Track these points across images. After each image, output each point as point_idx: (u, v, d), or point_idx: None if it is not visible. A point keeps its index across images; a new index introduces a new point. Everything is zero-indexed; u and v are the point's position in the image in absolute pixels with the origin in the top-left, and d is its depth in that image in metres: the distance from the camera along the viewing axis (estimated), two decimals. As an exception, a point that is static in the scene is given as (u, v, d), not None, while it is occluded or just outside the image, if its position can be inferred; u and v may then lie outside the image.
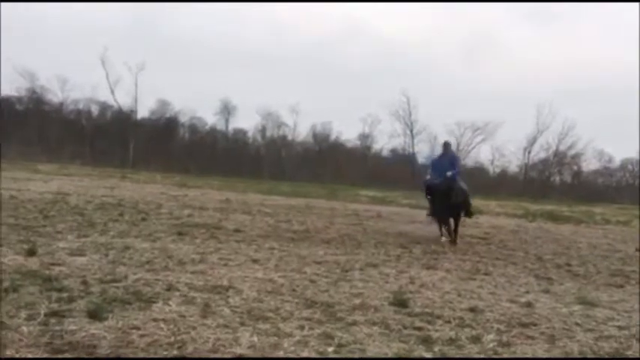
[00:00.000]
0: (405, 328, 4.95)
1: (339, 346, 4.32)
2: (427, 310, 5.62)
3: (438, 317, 5.36)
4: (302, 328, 4.71)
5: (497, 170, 62.97)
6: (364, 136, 64.76)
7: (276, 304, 5.43)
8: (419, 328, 4.95)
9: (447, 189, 11.46)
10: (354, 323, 4.98)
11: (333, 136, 65.34)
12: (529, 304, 6.19)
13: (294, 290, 6.12)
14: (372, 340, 4.51)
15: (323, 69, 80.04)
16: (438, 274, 7.73)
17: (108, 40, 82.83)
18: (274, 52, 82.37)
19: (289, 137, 65.86)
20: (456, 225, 11.75)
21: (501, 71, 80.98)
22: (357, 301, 5.82)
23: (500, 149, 61.10)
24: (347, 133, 76.60)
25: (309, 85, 78.32)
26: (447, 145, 12.83)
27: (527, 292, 6.95)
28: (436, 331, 4.91)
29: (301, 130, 65.05)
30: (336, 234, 12.12)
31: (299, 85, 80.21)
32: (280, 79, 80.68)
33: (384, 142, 64.50)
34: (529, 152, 60.25)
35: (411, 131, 61.25)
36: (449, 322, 5.24)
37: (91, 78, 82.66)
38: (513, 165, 62.45)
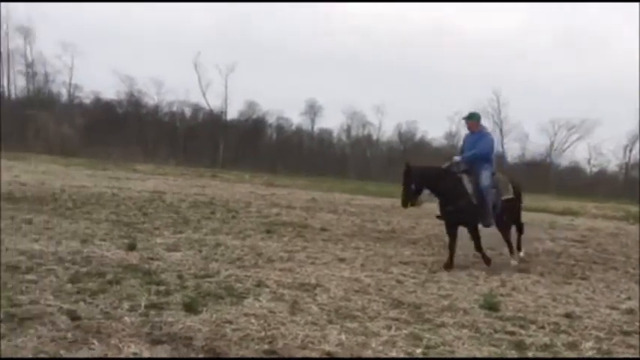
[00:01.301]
0: (496, 332, 4.81)
1: (428, 347, 4.27)
2: (520, 314, 5.43)
3: (532, 322, 5.16)
4: (389, 328, 4.70)
5: (595, 170, 59.70)
6: (451, 135, 63.36)
7: (363, 304, 5.44)
8: (511, 333, 4.80)
9: (452, 183, 7.94)
10: (443, 325, 4.90)
11: (418, 136, 64.52)
12: (631, 311, 5.84)
13: (380, 290, 6.11)
14: (461, 343, 4.42)
15: (408, 68, 79.10)
16: (531, 278, 7.44)
17: (200, 43, 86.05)
18: (359, 52, 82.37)
19: (374, 137, 65.68)
20: (474, 240, 8.09)
21: (597, 67, 76.67)
22: (446, 302, 5.73)
23: (598, 148, 57.87)
24: (433, 132, 75.43)
25: (395, 84, 77.68)
26: (471, 118, 8.39)
27: (629, 299, 6.54)
28: (529, 336, 4.74)
29: (386, 129, 64.67)
30: (422, 234, 11.97)
31: (384, 84, 79.76)
32: (366, 78, 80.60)
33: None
34: (630, 150, 56.67)
35: (501, 130, 59.28)
36: (543, 327, 5.04)
37: (184, 81, 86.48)
38: (612, 164, 58.98)
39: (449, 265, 7.70)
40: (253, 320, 4.63)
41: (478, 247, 8.05)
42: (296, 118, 65.20)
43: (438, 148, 63.24)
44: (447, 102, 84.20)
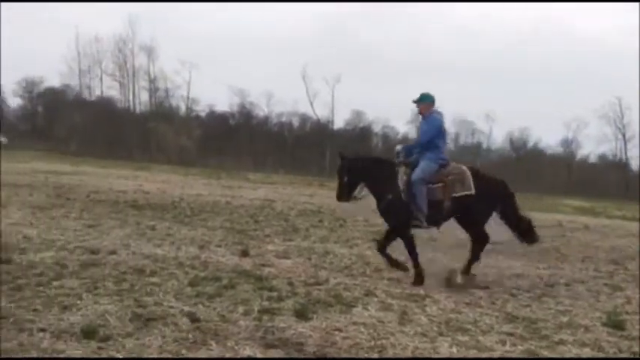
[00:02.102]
0: (622, 351, 4.51)
1: (545, 365, 4.08)
2: (648, 334, 5.03)
3: (663, 344, 4.77)
4: (503, 343, 4.54)
5: None
6: (568, 142, 60.08)
7: (475, 317, 5.29)
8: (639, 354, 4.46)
9: (386, 175, 6.80)
10: (562, 342, 4.66)
11: (531, 143, 61.77)
12: None
13: (493, 303, 5.92)
14: (582, 363, 4.18)
15: (519, 73, 76.00)
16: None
17: (308, 54, 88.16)
18: (465, 58, 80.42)
19: (484, 145, 63.75)
20: (407, 249, 6.82)
21: None
22: (564, 319, 5.43)
23: None
24: (547, 138, 71.82)
25: (505, 90, 74.94)
26: (421, 100, 6.99)
27: None
28: (660, 359, 4.38)
29: (497, 137, 62.57)
30: (536, 246, 11.39)
31: (493, 91, 77.15)
32: (473, 85, 78.39)
33: (592, 148, 59.19)
34: None
35: (624, 135, 55.45)
36: (676, 350, 4.64)
37: (292, 92, 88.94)
38: None
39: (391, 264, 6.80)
40: (362, 329, 4.65)
41: (413, 259, 6.71)
42: (402, 126, 64.85)
43: (554, 156, 60.23)
44: (562, 107, 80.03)
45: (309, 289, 6.00)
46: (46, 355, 3.67)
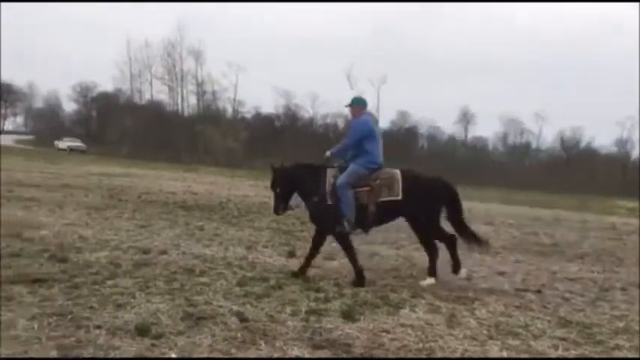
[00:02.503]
0: (682, 359, 4.32)
1: (601, 371, 3.96)
2: None
3: None
4: (556, 347, 4.43)
5: None
6: (622, 142, 58.10)
7: (526, 320, 5.19)
8: (701, 362, 4.28)
9: (314, 182, 6.73)
10: (617, 348, 4.53)
11: (583, 143, 60.03)
12: None
13: (545, 307, 5.78)
14: (640, 370, 4.04)
15: (571, 72, 73.98)
16: None
17: (353, 55, 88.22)
18: (515, 57, 78.73)
19: (533, 144, 62.33)
20: (345, 252, 6.77)
21: None
22: (620, 324, 5.26)
23: None
24: (601, 138, 69.62)
25: (556, 89, 73.15)
26: (353, 103, 6.98)
27: None
28: None
29: (547, 136, 61.14)
30: (590, 249, 11.09)
31: (544, 90, 75.42)
32: (523, 85, 76.80)
33: (647, 148, 57.02)
34: None
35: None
36: None
37: (337, 93, 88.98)
38: None
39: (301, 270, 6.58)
40: (410, 331, 4.62)
41: (352, 262, 6.53)
42: (448, 127, 64.16)
43: (608, 156, 58.39)
44: (617, 107, 77.44)
45: (356, 290, 5.99)
46: (102, 352, 3.79)
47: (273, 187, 6.80)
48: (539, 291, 6.52)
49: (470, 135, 64.63)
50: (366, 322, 4.82)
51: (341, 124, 64.92)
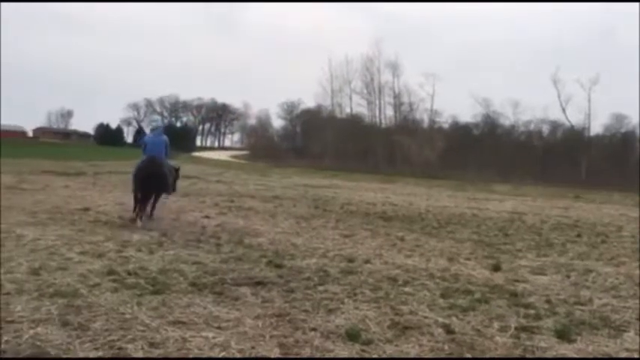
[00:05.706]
0: None
1: None
2: None
3: None
4: None
5: None
6: None
7: None
8: None
9: None
10: None
11: None
12: None
13: None
14: None
15: None
16: None
17: (558, 59, 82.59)
18: None
19: None
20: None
21: None
22: None
23: None
24: None
25: None
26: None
27: None
28: None
29: None
30: None
31: None
32: None
33: None
34: None
35: None
36: None
37: (542, 99, 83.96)
38: None
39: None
40: (637, 356, 4.18)
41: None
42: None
43: None
44: None
45: (571, 308, 5.58)
46: (319, 353, 4.05)
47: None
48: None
49: None
50: (584, 343, 4.48)
51: (546, 130, 61.07)
